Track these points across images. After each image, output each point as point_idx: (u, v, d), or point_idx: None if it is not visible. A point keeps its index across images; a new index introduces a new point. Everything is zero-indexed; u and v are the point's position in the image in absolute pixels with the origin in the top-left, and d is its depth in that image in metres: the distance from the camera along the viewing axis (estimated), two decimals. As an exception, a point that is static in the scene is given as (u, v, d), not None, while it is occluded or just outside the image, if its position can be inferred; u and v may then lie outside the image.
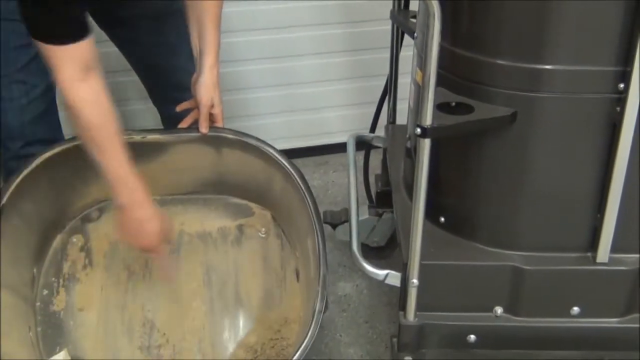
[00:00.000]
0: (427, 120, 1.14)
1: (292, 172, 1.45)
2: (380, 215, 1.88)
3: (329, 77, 2.42)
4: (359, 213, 1.62)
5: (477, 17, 1.21)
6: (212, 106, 1.48)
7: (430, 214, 1.29)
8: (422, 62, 1.21)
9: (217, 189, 1.59)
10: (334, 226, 1.93)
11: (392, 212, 1.71)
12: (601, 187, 1.21)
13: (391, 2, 1.74)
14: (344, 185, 2.34)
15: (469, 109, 1.19)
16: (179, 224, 1.58)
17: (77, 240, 1.55)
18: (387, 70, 1.84)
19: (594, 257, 1.26)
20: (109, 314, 1.50)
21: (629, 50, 1.09)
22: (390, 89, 1.85)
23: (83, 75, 1.22)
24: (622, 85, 1.12)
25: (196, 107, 1.49)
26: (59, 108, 1.60)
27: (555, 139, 1.20)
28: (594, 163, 1.20)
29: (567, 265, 1.27)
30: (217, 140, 1.50)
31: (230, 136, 1.49)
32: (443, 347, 1.34)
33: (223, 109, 1.51)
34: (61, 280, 1.51)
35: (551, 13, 1.11)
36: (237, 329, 1.51)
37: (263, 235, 1.60)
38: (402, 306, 1.32)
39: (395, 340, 1.36)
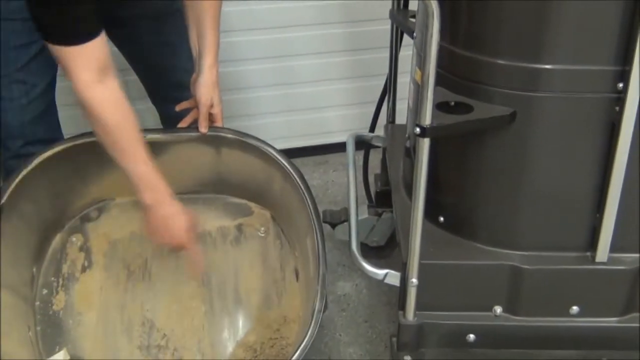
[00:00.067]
0: (427, 120, 1.14)
1: (292, 171, 1.45)
2: (379, 215, 1.88)
3: (328, 77, 2.42)
4: (358, 212, 1.62)
5: (476, 17, 1.21)
6: (211, 106, 1.48)
7: (430, 213, 1.29)
8: (421, 61, 1.21)
9: (216, 188, 1.59)
10: (334, 225, 1.93)
11: (392, 211, 1.71)
12: (600, 187, 1.21)
13: (390, 1, 1.74)
14: (344, 184, 2.34)
15: (468, 109, 1.19)
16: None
17: (76, 239, 1.55)
18: (386, 70, 1.85)
19: (593, 257, 1.26)
20: (109, 314, 1.51)
21: (628, 49, 1.09)
22: (389, 89, 1.85)
23: (100, 77, 1.21)
24: (621, 85, 1.12)
25: (195, 106, 1.49)
26: (58, 108, 1.60)
27: (555, 138, 1.20)
28: (593, 162, 1.20)
29: (567, 264, 1.28)
30: (216, 140, 1.50)
31: (230, 136, 1.49)
32: (442, 346, 1.34)
33: (222, 109, 1.51)
34: (60, 280, 1.51)
35: (550, 13, 1.11)
36: (237, 329, 1.51)
37: (262, 235, 1.60)
38: (402, 305, 1.32)
39: (394, 339, 1.36)
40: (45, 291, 1.49)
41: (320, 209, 1.52)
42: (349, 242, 1.50)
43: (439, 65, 1.11)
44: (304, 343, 1.25)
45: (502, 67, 1.17)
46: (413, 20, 1.56)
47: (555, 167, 1.23)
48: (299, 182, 1.44)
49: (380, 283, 1.38)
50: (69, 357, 1.45)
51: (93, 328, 1.49)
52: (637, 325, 1.30)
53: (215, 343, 1.50)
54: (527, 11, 1.13)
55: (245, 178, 1.56)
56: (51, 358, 1.43)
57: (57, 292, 1.50)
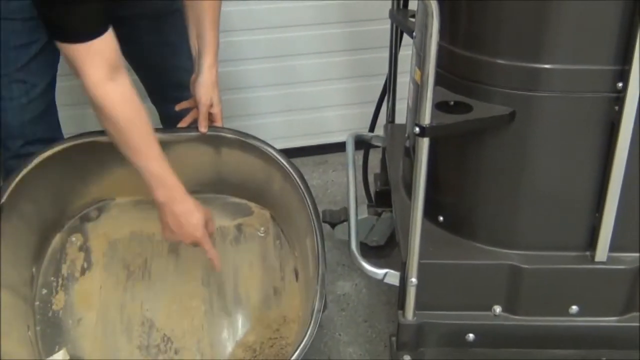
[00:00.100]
0: (426, 119, 1.14)
1: (291, 171, 1.45)
2: (379, 215, 1.88)
3: (328, 77, 2.42)
4: (358, 212, 1.62)
5: (475, 17, 1.22)
6: (211, 105, 1.48)
7: (429, 213, 1.29)
8: (420, 61, 1.21)
9: (216, 188, 1.59)
10: (333, 225, 1.93)
11: (391, 211, 1.71)
12: (600, 186, 1.21)
13: (390, 1, 1.74)
14: (343, 184, 2.34)
15: (467, 108, 1.19)
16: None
17: (76, 239, 1.55)
18: (386, 70, 1.85)
19: (593, 256, 1.27)
20: (108, 314, 1.50)
21: (627, 49, 1.09)
22: (389, 88, 1.85)
23: (111, 74, 1.21)
24: (620, 84, 1.12)
25: (195, 106, 1.49)
26: (58, 108, 1.60)
27: (554, 138, 1.20)
28: (592, 162, 1.20)
29: (566, 264, 1.28)
30: (216, 140, 1.51)
31: (230, 135, 1.49)
32: (442, 346, 1.34)
33: (222, 108, 1.51)
34: (60, 280, 1.51)
35: (550, 12, 1.12)
36: (236, 329, 1.51)
37: (262, 235, 1.60)
38: (401, 305, 1.32)
39: (394, 339, 1.36)
40: (44, 291, 1.49)
41: (320, 209, 1.52)
42: (348, 242, 1.50)
43: (439, 64, 1.11)
44: (303, 343, 1.25)
45: (502, 67, 1.17)
46: (413, 20, 1.56)
47: (554, 166, 1.23)
48: (299, 182, 1.44)
49: (379, 283, 1.38)
50: (68, 357, 1.45)
51: (92, 328, 1.49)
52: (637, 324, 1.30)
53: (214, 343, 1.50)
54: (527, 11, 1.13)
55: (245, 178, 1.56)
56: (51, 358, 1.43)
57: (57, 292, 1.50)
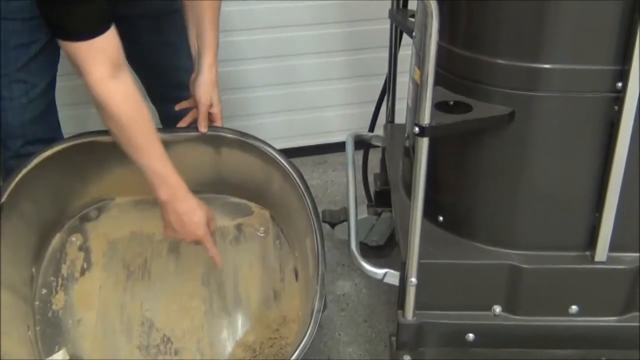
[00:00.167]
0: (425, 119, 1.14)
1: (291, 171, 1.45)
2: (379, 214, 1.88)
3: (328, 77, 2.42)
4: (357, 212, 1.62)
5: (475, 17, 1.22)
6: (211, 105, 1.48)
7: (429, 212, 1.29)
8: (420, 61, 1.21)
9: (215, 188, 1.59)
10: (333, 225, 1.93)
11: (391, 211, 1.71)
12: (599, 186, 1.21)
13: (390, 1, 1.74)
14: (343, 184, 2.34)
15: (467, 108, 1.19)
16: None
17: (76, 239, 1.55)
18: (385, 70, 1.84)
19: (593, 256, 1.27)
20: (108, 313, 1.51)
21: (627, 49, 1.09)
22: (389, 88, 1.85)
23: (113, 72, 1.21)
24: (619, 84, 1.12)
25: (195, 106, 1.49)
26: (58, 108, 1.60)
27: (554, 137, 1.20)
28: (592, 162, 1.20)
29: (566, 264, 1.28)
30: (216, 140, 1.51)
31: (229, 135, 1.49)
32: (442, 345, 1.34)
33: (222, 108, 1.51)
34: (60, 280, 1.51)
35: (549, 12, 1.12)
36: (236, 328, 1.51)
37: (262, 235, 1.60)
38: (401, 305, 1.32)
39: (394, 339, 1.36)
40: (44, 291, 1.49)
41: (320, 209, 1.52)
42: (348, 242, 1.50)
43: (438, 64, 1.11)
44: (303, 343, 1.25)
45: (501, 67, 1.17)
46: (412, 19, 1.56)
47: (554, 166, 1.23)
48: (299, 182, 1.44)
49: (379, 282, 1.38)
50: (68, 357, 1.45)
51: (92, 328, 1.49)
52: (637, 324, 1.30)
53: (214, 343, 1.50)
54: (526, 11, 1.13)
55: (244, 178, 1.56)
56: (50, 358, 1.43)
57: (57, 292, 1.50)
